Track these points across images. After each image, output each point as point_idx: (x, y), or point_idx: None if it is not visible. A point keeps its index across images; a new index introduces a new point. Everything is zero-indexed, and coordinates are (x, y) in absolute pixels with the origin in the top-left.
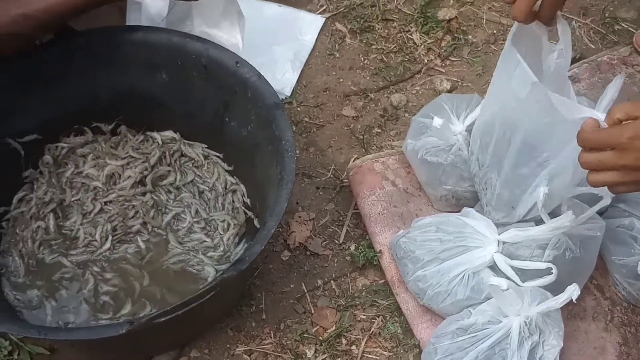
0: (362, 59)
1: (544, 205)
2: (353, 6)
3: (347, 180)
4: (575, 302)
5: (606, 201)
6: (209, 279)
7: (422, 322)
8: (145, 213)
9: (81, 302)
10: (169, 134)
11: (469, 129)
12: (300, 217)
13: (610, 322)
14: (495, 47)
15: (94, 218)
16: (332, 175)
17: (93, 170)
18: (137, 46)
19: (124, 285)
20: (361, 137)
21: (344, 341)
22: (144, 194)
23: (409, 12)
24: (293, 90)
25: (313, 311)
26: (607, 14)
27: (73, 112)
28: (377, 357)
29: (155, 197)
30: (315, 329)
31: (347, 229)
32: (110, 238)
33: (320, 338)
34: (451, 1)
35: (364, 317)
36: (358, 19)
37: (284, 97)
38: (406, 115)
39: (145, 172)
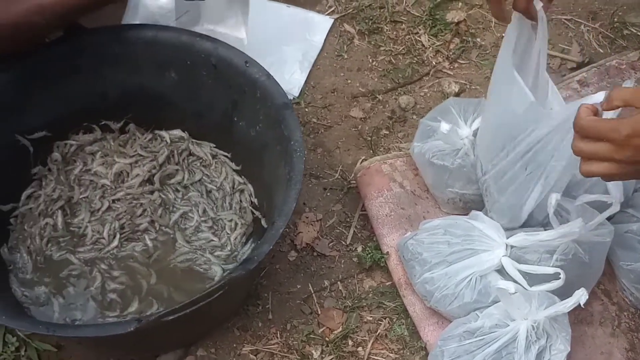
0: (371, 60)
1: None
2: (361, 7)
3: (354, 182)
4: (582, 307)
5: (615, 208)
6: (216, 278)
7: (428, 325)
8: (153, 211)
9: (88, 299)
10: (177, 132)
11: (475, 133)
12: (307, 217)
13: (618, 327)
14: None
15: (102, 216)
16: (339, 177)
17: (101, 168)
18: (147, 45)
19: (131, 283)
20: (369, 138)
21: (350, 342)
22: (151, 192)
23: (418, 14)
24: (301, 90)
25: (319, 312)
26: (616, 19)
27: (82, 109)
28: (384, 359)
29: (163, 196)
30: (321, 329)
31: (354, 231)
32: (118, 236)
33: (327, 339)
34: (460, 4)
35: (371, 318)
36: (366, 21)
37: (292, 98)
38: (414, 117)
39: (154, 171)
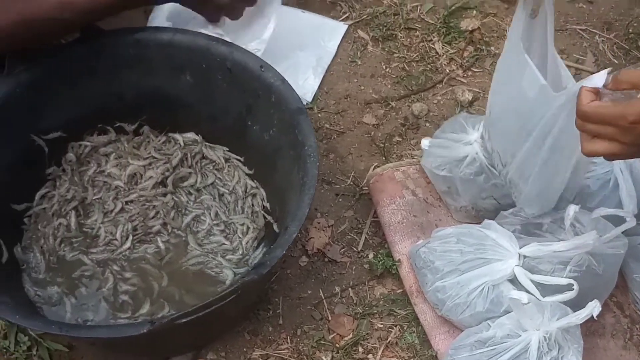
0: (384, 67)
1: None
2: (376, 14)
3: (366, 188)
4: (595, 318)
5: (631, 223)
6: (227, 282)
7: (440, 334)
8: (166, 214)
9: (100, 300)
10: (190, 135)
11: (482, 135)
12: (319, 223)
13: (630, 340)
14: None
15: (115, 217)
16: (351, 183)
17: (115, 169)
18: (163, 47)
19: (143, 285)
20: (382, 145)
21: (360, 349)
22: (164, 194)
23: (432, 22)
24: (314, 96)
25: (330, 318)
26: (630, 30)
27: (97, 111)
28: None
29: (176, 199)
30: (332, 336)
31: (365, 237)
32: (130, 237)
33: (337, 345)
34: (474, 12)
35: (381, 326)
36: (380, 27)
37: (305, 103)
38: (427, 124)
39: (167, 173)
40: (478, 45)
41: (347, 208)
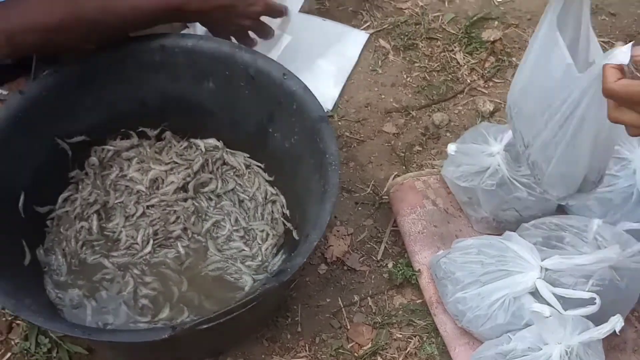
0: (405, 76)
1: None
2: (397, 23)
3: (386, 197)
4: (617, 333)
5: None
6: (246, 288)
7: (459, 345)
8: (186, 219)
9: (120, 304)
10: (212, 141)
11: (507, 148)
12: (338, 231)
13: None
14: None
15: (136, 221)
16: (371, 191)
17: (137, 174)
18: (187, 54)
19: (162, 290)
20: (402, 154)
21: (379, 359)
22: (185, 199)
23: (453, 32)
24: (335, 104)
25: (349, 327)
26: None
27: (121, 115)
28: None
29: (197, 204)
30: (350, 345)
31: (385, 246)
32: (151, 242)
33: (356, 354)
34: (496, 22)
35: (400, 336)
36: (402, 36)
37: (325, 111)
38: (448, 134)
39: (188, 179)
40: (499, 56)
41: (366, 217)
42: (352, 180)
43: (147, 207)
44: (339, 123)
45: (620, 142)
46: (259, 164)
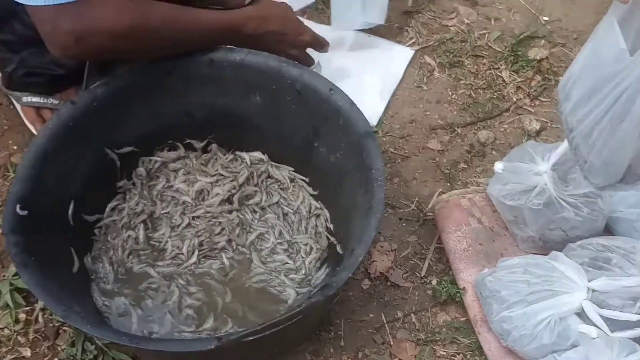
0: (450, 93)
1: None
2: (443, 40)
3: (431, 214)
4: None
5: None
6: (290, 301)
7: None
8: (231, 231)
9: (166, 313)
10: (257, 154)
11: (554, 167)
12: (382, 247)
13: None
14: None
15: (182, 232)
16: (415, 208)
17: (183, 185)
18: (235, 68)
19: (207, 300)
20: (447, 171)
21: None
22: (230, 211)
23: (499, 50)
24: (379, 120)
25: (392, 343)
26: None
27: (168, 127)
28: None
29: (241, 216)
30: None
31: (429, 263)
32: (196, 252)
33: None
34: (542, 41)
35: (444, 353)
36: (447, 54)
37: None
38: (493, 152)
39: (233, 191)
40: (546, 75)
41: (410, 233)
42: (396, 196)
43: (193, 218)
44: (384, 139)
45: None
46: (304, 178)
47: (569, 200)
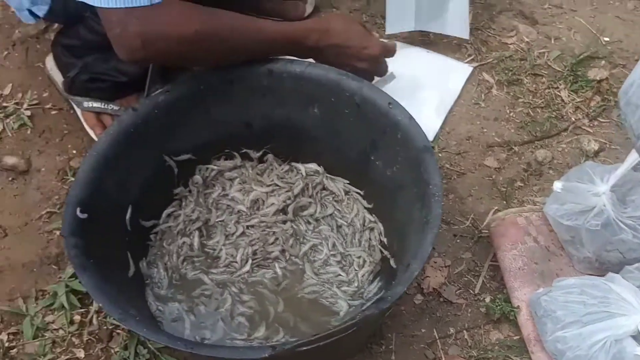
0: (508, 111)
1: None
2: (502, 58)
3: (486, 231)
4: None
5: None
6: (341, 313)
7: None
8: (285, 241)
9: (218, 320)
10: (313, 166)
11: (613, 189)
12: (435, 262)
13: None
14: None
15: (236, 240)
16: (470, 224)
17: (239, 194)
18: (295, 79)
19: (259, 309)
20: (503, 189)
21: None
22: (284, 222)
23: (559, 69)
24: (436, 135)
25: (443, 359)
26: None
27: (226, 136)
28: None
29: (295, 227)
30: None
31: (483, 280)
32: (250, 261)
33: None
34: (603, 62)
35: None
36: (506, 71)
37: None
38: (550, 172)
39: (288, 201)
40: (605, 96)
41: (464, 249)
42: (452, 213)
43: (247, 227)
44: (440, 155)
45: None
46: (359, 191)
47: (627, 222)
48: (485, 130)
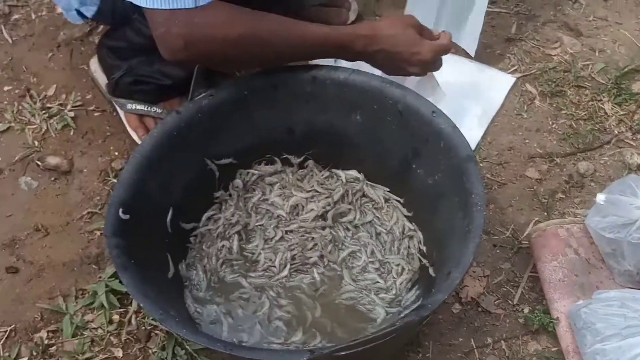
0: (550, 122)
1: None
2: (545, 69)
3: (526, 242)
4: None
5: None
6: (379, 320)
7: None
8: (323, 247)
9: (255, 323)
10: (353, 173)
11: None
12: (474, 272)
13: None
14: None
15: (275, 245)
16: (510, 235)
17: (278, 199)
18: (338, 86)
19: (296, 313)
20: (544, 200)
21: None
22: (323, 228)
23: (603, 82)
24: (477, 145)
25: None
26: None
27: (268, 141)
28: None
29: (334, 233)
30: None
31: (522, 291)
32: (288, 266)
33: None
34: None
35: None
36: (549, 82)
37: None
38: (592, 184)
39: (328, 208)
40: None
41: (504, 260)
42: (492, 223)
43: (286, 232)
44: (481, 164)
45: None
46: (398, 199)
47: None
48: (527, 141)
